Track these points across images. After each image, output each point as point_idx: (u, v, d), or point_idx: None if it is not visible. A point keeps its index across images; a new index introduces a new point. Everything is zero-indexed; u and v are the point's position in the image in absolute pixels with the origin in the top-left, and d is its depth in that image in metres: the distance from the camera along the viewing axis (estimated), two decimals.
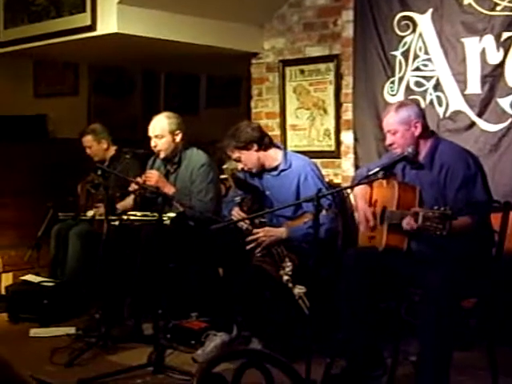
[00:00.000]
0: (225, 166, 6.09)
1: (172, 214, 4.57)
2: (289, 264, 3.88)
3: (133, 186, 4.79)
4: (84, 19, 5.03)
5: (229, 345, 4.15)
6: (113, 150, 5.62)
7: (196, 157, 4.91)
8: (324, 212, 3.55)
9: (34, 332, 4.63)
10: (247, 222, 4.15)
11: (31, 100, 9.11)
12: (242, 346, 4.12)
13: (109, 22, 4.89)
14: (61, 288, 5.05)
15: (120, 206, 5.11)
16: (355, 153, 5.02)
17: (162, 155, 4.89)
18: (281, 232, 4.17)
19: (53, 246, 5.42)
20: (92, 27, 4.98)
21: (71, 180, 5.73)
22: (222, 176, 5.80)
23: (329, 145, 5.28)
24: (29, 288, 5.03)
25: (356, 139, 5.01)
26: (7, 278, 5.81)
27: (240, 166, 4.43)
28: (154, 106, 8.08)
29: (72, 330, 4.60)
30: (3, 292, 5.52)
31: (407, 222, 3.29)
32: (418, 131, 3.54)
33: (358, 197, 3.85)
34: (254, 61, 5.76)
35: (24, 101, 9.02)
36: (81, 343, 4.29)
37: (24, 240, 5.75)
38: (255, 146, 4.28)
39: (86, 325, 4.64)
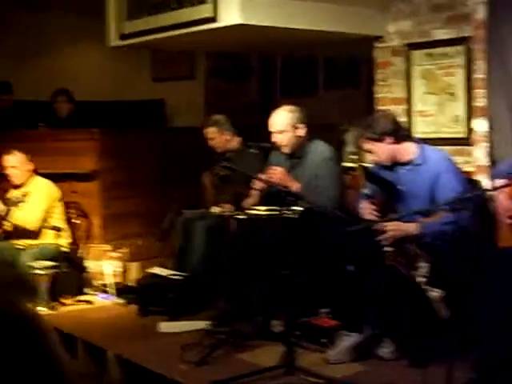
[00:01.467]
0: (349, 151, 5.96)
1: (298, 208, 4.50)
2: (424, 265, 3.72)
3: (257, 183, 4.73)
4: (206, 10, 4.97)
5: (361, 345, 4.05)
6: (236, 141, 5.58)
7: (320, 150, 4.79)
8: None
9: (164, 326, 4.67)
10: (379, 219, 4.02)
11: (149, 84, 9.22)
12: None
13: (231, 13, 4.81)
14: (188, 281, 5.07)
15: (246, 204, 5.05)
16: (490, 142, 4.77)
17: (286, 150, 4.80)
18: (412, 227, 4.00)
19: (179, 236, 5.46)
20: (214, 19, 4.92)
21: (194, 170, 5.74)
22: (344, 164, 5.67)
23: (458, 132, 5.04)
24: (157, 281, 5.08)
25: (491, 128, 4.76)
26: (134, 268, 5.92)
27: (371, 157, 4.29)
28: (271, 90, 8.01)
29: (201, 325, 4.61)
30: (130, 282, 5.62)
31: None
32: None
33: (500, 195, 3.64)
34: (377, 44, 5.54)
35: (142, 85, 9.15)
36: (211, 339, 4.29)
37: (150, 230, 5.84)
38: (390, 139, 4.11)
39: (214, 319, 4.64)
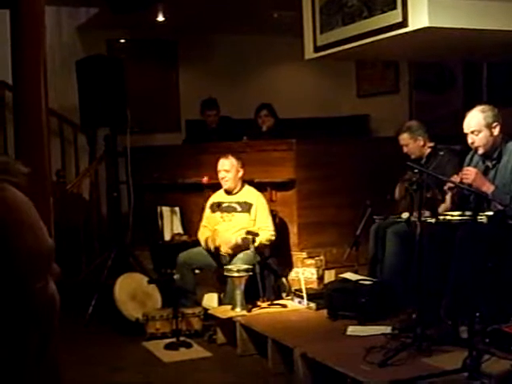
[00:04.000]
0: None
1: (490, 213, 4.38)
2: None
3: (449, 185, 4.65)
4: (395, 16, 5.00)
5: None
6: (430, 147, 5.51)
7: None
8: None
9: (351, 330, 4.69)
10: None
11: (354, 100, 9.36)
12: None
13: (420, 17, 4.80)
14: (378, 287, 5.06)
15: (441, 209, 4.98)
16: None
17: (481, 151, 4.68)
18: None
19: (371, 244, 5.48)
20: (403, 24, 4.93)
21: (390, 178, 5.73)
22: None
23: None
24: (347, 286, 5.12)
25: None
26: (329, 275, 6.02)
27: None
28: (476, 99, 7.78)
29: (388, 330, 4.58)
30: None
31: None
32: None
33: None
34: None
35: (347, 102, 9.31)
36: (396, 343, 4.26)
37: (344, 238, 5.88)
38: None
39: (402, 324, 4.60)
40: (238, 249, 5.70)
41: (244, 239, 5.65)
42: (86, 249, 6.98)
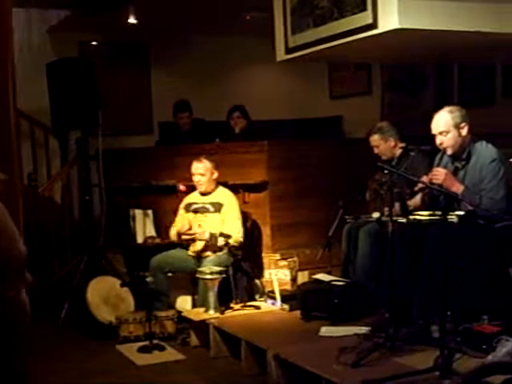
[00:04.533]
0: None
1: (460, 213, 4.41)
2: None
3: (419, 185, 4.68)
4: (365, 18, 5.01)
5: None
6: (401, 147, 5.54)
7: (485, 151, 4.64)
8: None
9: (324, 331, 4.70)
10: None
11: (327, 102, 9.39)
12: None
13: (390, 19, 4.81)
14: (351, 287, 5.08)
15: (411, 203, 5.04)
16: None
17: (449, 152, 4.71)
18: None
19: (344, 244, 5.51)
20: (373, 25, 4.94)
21: (363, 179, 5.77)
22: None
23: None
24: (320, 287, 5.13)
25: None
26: (303, 276, 6.04)
27: None
28: (447, 100, 7.84)
29: (361, 330, 4.60)
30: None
31: None
32: None
33: None
34: None
35: (321, 103, 9.34)
36: (369, 343, 4.28)
37: (317, 239, 5.91)
38: None
39: (374, 325, 4.62)
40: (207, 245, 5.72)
41: (211, 236, 5.64)
42: (58, 252, 6.93)
